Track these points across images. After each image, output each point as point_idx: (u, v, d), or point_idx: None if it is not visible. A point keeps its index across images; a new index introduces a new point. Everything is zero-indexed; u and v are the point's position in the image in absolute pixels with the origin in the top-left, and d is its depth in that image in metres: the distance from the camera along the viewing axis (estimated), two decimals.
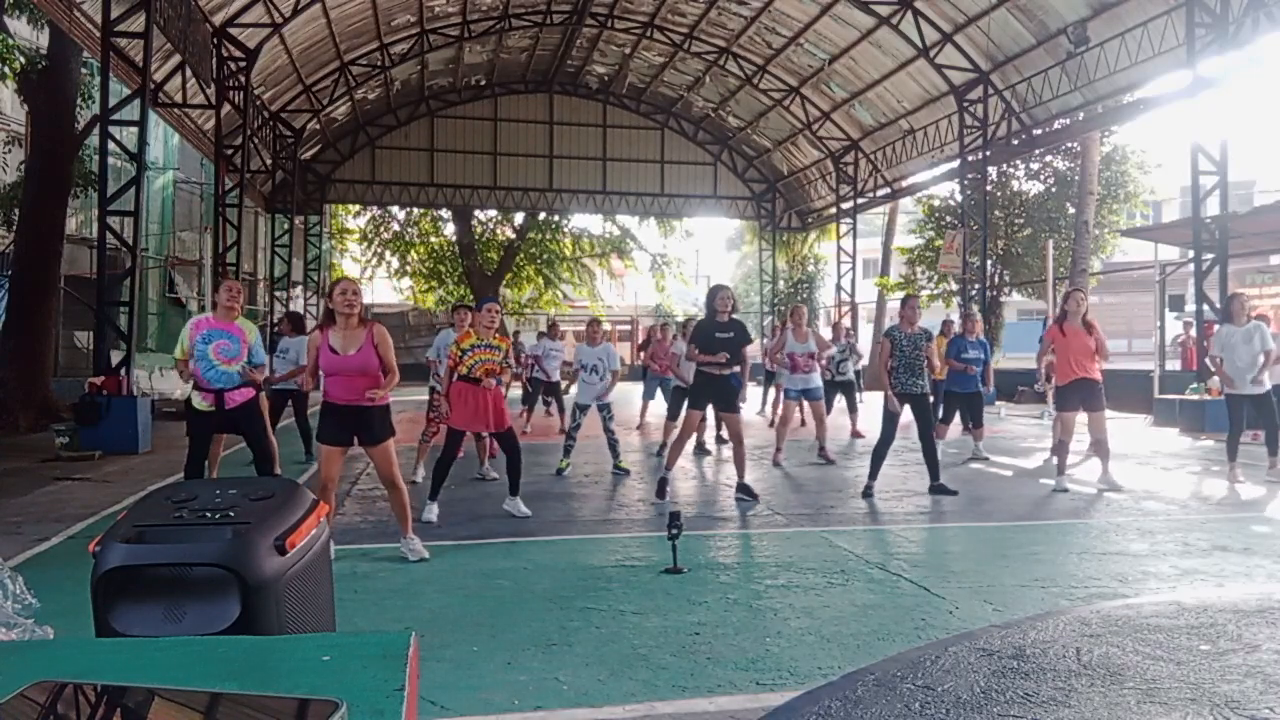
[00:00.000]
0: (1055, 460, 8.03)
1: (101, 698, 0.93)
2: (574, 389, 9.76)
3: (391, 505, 5.29)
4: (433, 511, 6.35)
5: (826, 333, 21.16)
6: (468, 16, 22.48)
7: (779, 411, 14.54)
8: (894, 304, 28.78)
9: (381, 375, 5.04)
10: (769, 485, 8.04)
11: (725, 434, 9.98)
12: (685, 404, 7.66)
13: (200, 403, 5.78)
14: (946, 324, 12.53)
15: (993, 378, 10.25)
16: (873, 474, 7.48)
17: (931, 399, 7.96)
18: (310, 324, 9.55)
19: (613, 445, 8.81)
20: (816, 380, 9.76)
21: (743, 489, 7.19)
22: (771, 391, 15.50)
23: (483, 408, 6.34)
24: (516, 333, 15.84)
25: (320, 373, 5.07)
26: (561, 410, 12.85)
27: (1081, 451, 9.28)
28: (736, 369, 7.22)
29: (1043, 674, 3.21)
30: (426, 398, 8.61)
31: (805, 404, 9.89)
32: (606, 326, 10.88)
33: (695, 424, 7.39)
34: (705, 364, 7.09)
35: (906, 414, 7.70)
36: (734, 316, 7.31)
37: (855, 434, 12.04)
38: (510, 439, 6.48)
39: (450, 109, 27.75)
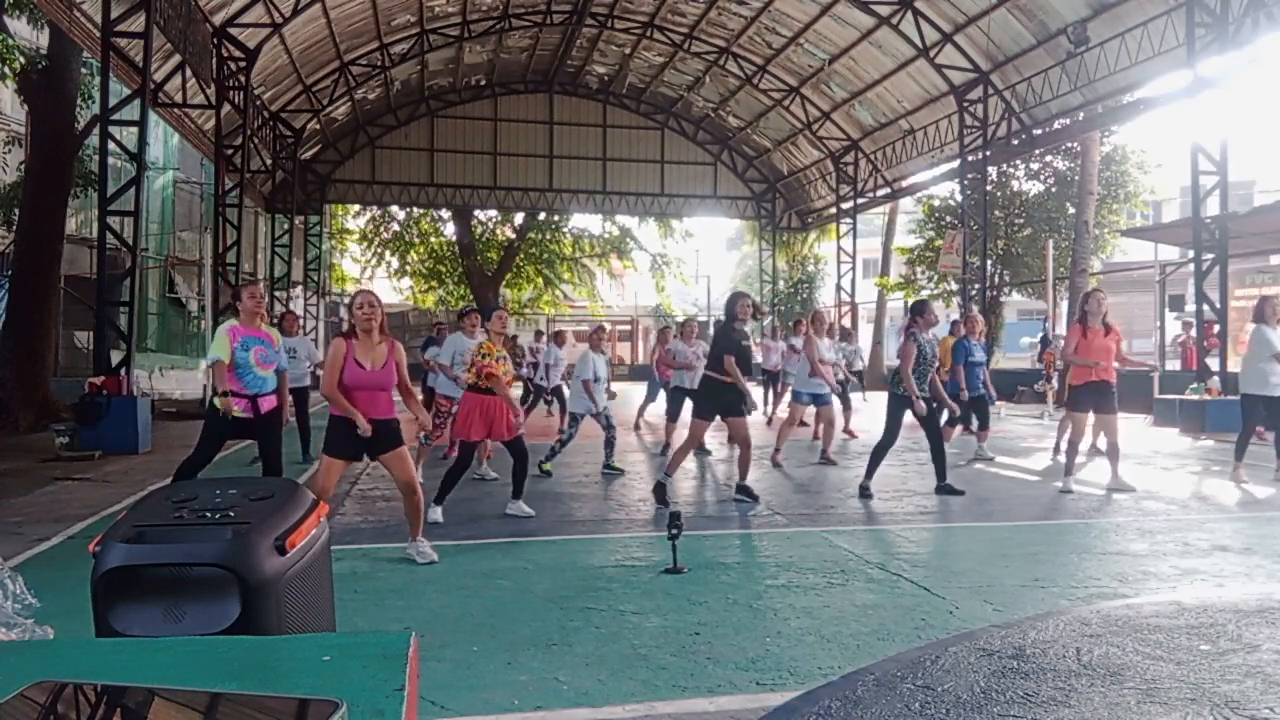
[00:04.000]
0: (1064, 460, 8.01)
1: (101, 698, 0.93)
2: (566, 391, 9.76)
3: (405, 509, 5.24)
4: (437, 513, 6.37)
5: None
6: (468, 16, 22.49)
7: (780, 411, 14.61)
8: (894, 304, 28.82)
9: (399, 395, 5.12)
10: (769, 485, 8.04)
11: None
12: (691, 410, 7.61)
13: (236, 410, 5.64)
14: (956, 324, 12.41)
15: (989, 381, 10.10)
16: (869, 473, 7.48)
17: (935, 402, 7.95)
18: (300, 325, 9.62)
19: (610, 444, 8.81)
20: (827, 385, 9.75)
21: (742, 490, 7.19)
22: (774, 391, 15.49)
23: (497, 418, 6.37)
24: (515, 336, 15.79)
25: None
26: (563, 411, 12.84)
27: (1083, 452, 9.27)
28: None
29: (1043, 674, 3.21)
30: (422, 398, 8.62)
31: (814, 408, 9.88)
32: (606, 327, 10.88)
33: (702, 433, 7.37)
34: (717, 373, 7.07)
35: (908, 416, 7.70)
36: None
37: (848, 433, 12.02)
38: (519, 445, 6.51)
39: (450, 109, 27.76)
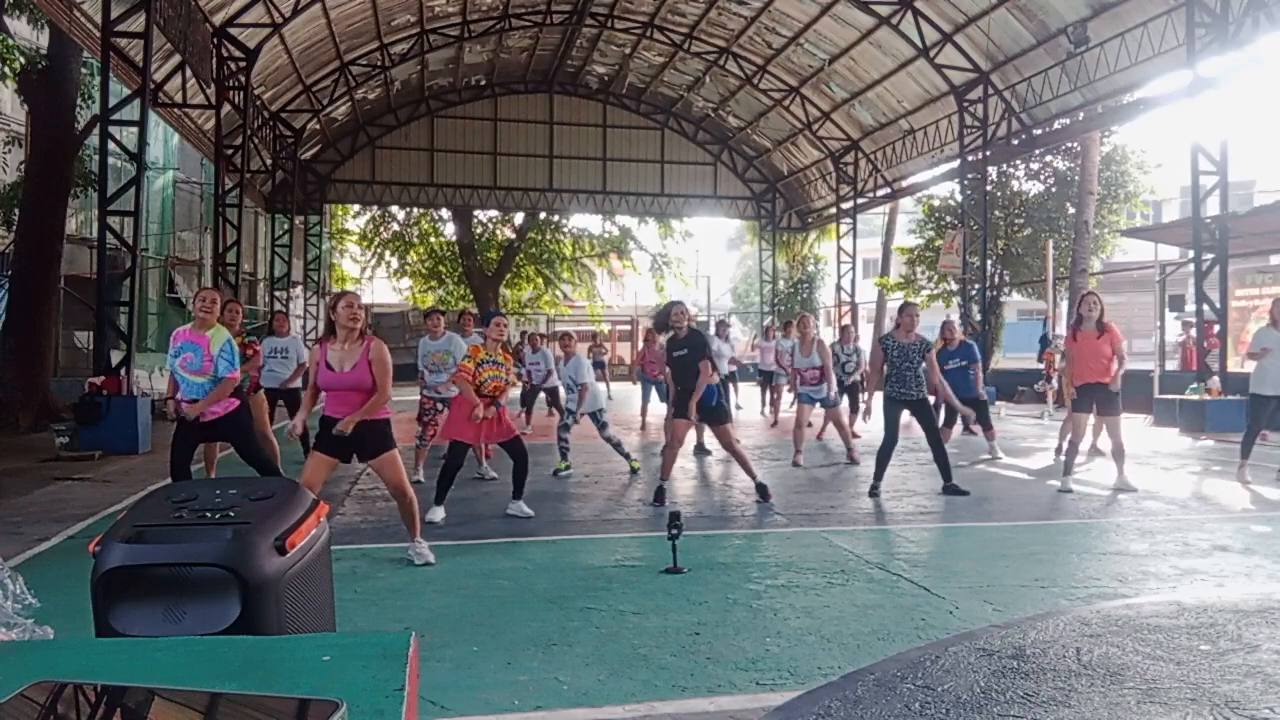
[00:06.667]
0: (1064, 460, 8.01)
1: (101, 698, 0.93)
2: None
3: (400, 513, 5.21)
4: (438, 514, 6.35)
5: (829, 334, 21.07)
6: (468, 16, 22.49)
7: (779, 413, 14.60)
8: (895, 304, 28.80)
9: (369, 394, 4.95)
10: (769, 485, 8.02)
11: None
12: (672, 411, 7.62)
13: (185, 413, 5.68)
14: (946, 325, 12.35)
15: (980, 381, 10.01)
16: (878, 475, 7.48)
17: (932, 400, 7.94)
18: (291, 325, 9.59)
19: (617, 447, 8.80)
20: (825, 389, 9.70)
21: (759, 490, 7.16)
22: (770, 392, 15.48)
23: (489, 421, 6.35)
24: (519, 346, 15.76)
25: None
26: (560, 410, 12.82)
27: (1084, 452, 9.26)
28: (712, 382, 7.13)
29: (1043, 674, 3.20)
30: (418, 399, 8.63)
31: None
32: (605, 328, 10.89)
33: (683, 433, 7.37)
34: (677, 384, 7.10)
35: (906, 415, 7.70)
36: (692, 327, 7.20)
37: (853, 434, 11.98)
38: (517, 446, 6.49)
39: (450, 109, 27.76)
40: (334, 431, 4.84)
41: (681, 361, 7.04)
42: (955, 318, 16.62)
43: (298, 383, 9.56)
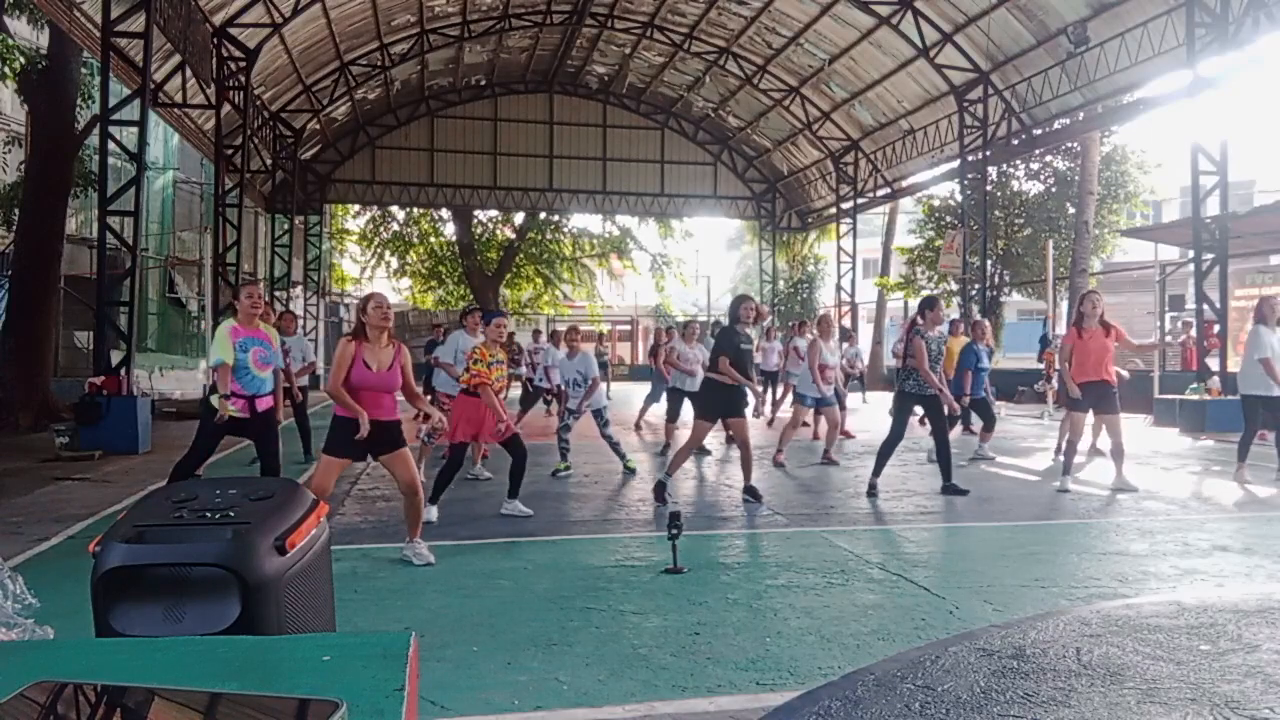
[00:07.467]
0: (1062, 459, 8.02)
1: (101, 698, 0.93)
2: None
3: (406, 510, 5.23)
4: (432, 513, 6.37)
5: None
6: (468, 16, 22.49)
7: (779, 413, 14.59)
8: (894, 304, 28.82)
9: (402, 397, 5.11)
10: (769, 485, 8.03)
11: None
12: (694, 412, 7.62)
13: (232, 409, 5.66)
14: (955, 323, 12.32)
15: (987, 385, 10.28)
16: (876, 471, 7.48)
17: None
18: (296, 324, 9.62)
19: (615, 447, 8.80)
20: (834, 390, 9.73)
21: (748, 491, 7.18)
22: (773, 392, 15.45)
23: (487, 419, 6.38)
24: (512, 334, 15.77)
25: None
26: (561, 411, 12.83)
27: (1083, 452, 9.26)
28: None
29: (1043, 674, 3.20)
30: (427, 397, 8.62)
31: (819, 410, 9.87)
32: (606, 328, 10.89)
33: (704, 434, 7.41)
34: (724, 375, 7.10)
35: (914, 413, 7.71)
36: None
37: (845, 434, 12.01)
38: (517, 444, 6.51)
39: (450, 109, 27.76)
40: (356, 438, 4.81)
41: (749, 355, 7.17)
42: (956, 314, 16.61)
43: (304, 380, 9.58)
